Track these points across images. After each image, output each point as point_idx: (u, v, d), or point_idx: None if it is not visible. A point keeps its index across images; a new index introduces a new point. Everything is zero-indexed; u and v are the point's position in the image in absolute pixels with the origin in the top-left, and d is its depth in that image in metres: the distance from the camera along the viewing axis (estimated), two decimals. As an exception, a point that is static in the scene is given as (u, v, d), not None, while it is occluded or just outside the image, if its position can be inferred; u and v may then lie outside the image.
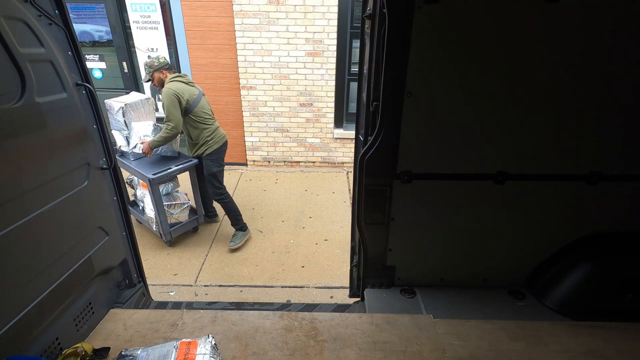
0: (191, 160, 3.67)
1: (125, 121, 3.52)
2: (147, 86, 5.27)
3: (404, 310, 1.91)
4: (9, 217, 1.36)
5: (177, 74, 3.35)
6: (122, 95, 3.80)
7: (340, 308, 2.15)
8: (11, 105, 1.36)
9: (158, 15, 4.83)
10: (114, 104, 3.52)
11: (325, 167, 5.64)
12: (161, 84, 3.32)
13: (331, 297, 3.11)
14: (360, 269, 2.14)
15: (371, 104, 1.73)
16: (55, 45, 1.59)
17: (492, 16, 1.50)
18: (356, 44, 5.02)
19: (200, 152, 3.52)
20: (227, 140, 3.66)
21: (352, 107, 5.35)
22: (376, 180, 1.82)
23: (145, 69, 3.30)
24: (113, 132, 3.63)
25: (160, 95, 3.40)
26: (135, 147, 3.51)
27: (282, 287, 3.22)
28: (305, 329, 1.80)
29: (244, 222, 3.79)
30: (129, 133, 3.58)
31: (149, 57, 3.29)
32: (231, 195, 3.78)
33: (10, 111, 1.35)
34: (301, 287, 3.22)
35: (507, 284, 2.05)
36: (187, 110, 3.32)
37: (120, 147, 3.65)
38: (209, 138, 3.47)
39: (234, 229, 3.78)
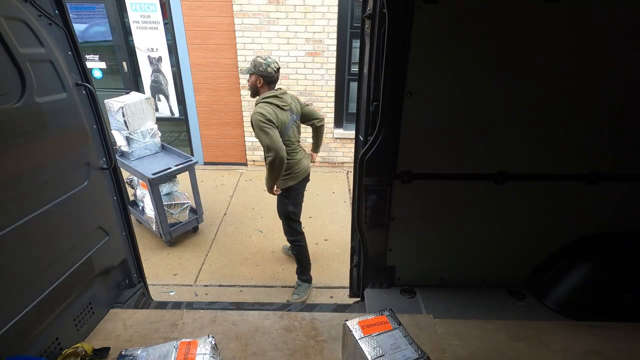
0: (191, 160, 3.67)
1: (125, 121, 3.52)
2: (147, 86, 5.27)
3: (404, 310, 1.91)
4: (9, 217, 1.36)
5: (273, 94, 2.62)
6: (122, 95, 3.80)
7: (340, 308, 2.16)
8: (11, 105, 1.36)
9: (158, 15, 4.83)
10: (114, 104, 3.52)
11: (325, 167, 5.64)
12: (254, 91, 2.69)
13: (331, 297, 3.11)
14: (360, 269, 2.14)
15: (371, 104, 1.73)
16: (55, 45, 1.59)
17: (492, 16, 1.50)
18: (356, 44, 5.02)
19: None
20: (308, 174, 2.96)
21: (352, 107, 5.35)
22: (376, 180, 1.81)
23: (250, 63, 2.64)
24: (113, 132, 3.63)
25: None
26: None
27: (282, 287, 3.22)
28: (305, 329, 1.80)
29: (310, 274, 3.19)
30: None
31: (259, 57, 2.63)
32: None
33: (10, 111, 1.35)
34: (301, 287, 3.21)
35: (507, 284, 2.05)
36: None
37: (120, 147, 3.65)
38: (286, 172, 2.74)
39: (297, 279, 3.18)
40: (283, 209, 2.94)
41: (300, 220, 3.09)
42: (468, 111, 1.67)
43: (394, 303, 1.99)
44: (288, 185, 2.82)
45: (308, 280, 3.18)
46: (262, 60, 2.60)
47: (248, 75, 2.66)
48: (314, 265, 3.39)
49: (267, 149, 2.55)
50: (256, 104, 2.63)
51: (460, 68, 1.59)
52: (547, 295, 1.96)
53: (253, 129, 2.57)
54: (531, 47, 1.54)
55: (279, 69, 2.66)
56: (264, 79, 2.62)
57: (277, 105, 2.61)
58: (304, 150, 2.95)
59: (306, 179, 2.97)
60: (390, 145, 1.74)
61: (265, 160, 2.65)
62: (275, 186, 2.77)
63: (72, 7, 4.93)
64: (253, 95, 2.71)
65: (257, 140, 2.61)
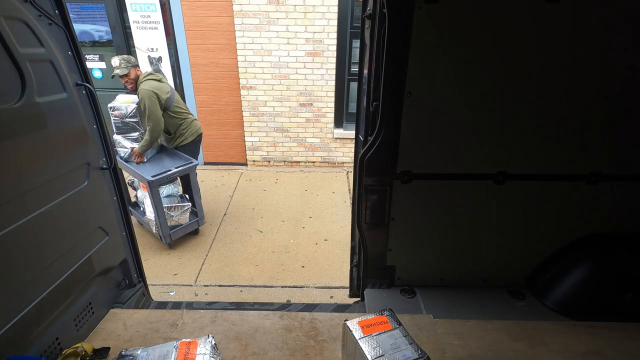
0: (192, 162, 3.67)
1: (138, 122, 3.51)
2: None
3: (404, 310, 1.91)
4: (9, 217, 1.36)
5: (150, 72, 3.53)
6: (120, 95, 3.77)
7: (340, 308, 2.15)
8: (11, 105, 1.36)
9: (158, 15, 4.83)
10: (124, 106, 3.46)
11: (325, 167, 5.64)
12: (135, 80, 3.47)
13: (331, 297, 3.11)
14: (360, 269, 2.14)
15: (371, 104, 1.73)
16: (55, 45, 1.59)
17: (492, 16, 1.50)
18: (356, 44, 5.02)
19: (175, 144, 3.82)
20: (201, 133, 3.96)
21: (352, 107, 5.35)
22: (376, 180, 1.81)
23: (122, 64, 3.36)
24: (116, 137, 3.59)
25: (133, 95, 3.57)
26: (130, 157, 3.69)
27: (282, 287, 3.22)
28: (305, 329, 1.80)
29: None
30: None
31: (120, 57, 3.39)
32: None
33: (10, 111, 1.35)
34: (301, 287, 3.22)
35: (507, 284, 2.05)
36: (165, 107, 3.53)
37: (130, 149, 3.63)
38: (184, 131, 3.75)
39: None
40: None
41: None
42: (468, 111, 1.67)
43: (394, 303, 1.99)
44: (187, 142, 3.78)
45: None
46: (127, 56, 3.43)
47: (127, 73, 3.39)
48: (314, 266, 3.39)
49: (151, 118, 3.38)
50: (140, 84, 3.41)
51: (460, 68, 1.59)
52: (547, 295, 1.96)
53: (144, 103, 3.35)
54: (531, 47, 1.54)
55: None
56: (138, 66, 3.52)
57: (156, 80, 3.49)
58: (193, 116, 3.88)
59: (200, 136, 3.92)
60: (390, 145, 1.74)
61: (147, 129, 3.47)
62: (172, 145, 3.79)
63: (72, 7, 4.93)
64: (136, 85, 3.45)
65: (147, 111, 3.38)
